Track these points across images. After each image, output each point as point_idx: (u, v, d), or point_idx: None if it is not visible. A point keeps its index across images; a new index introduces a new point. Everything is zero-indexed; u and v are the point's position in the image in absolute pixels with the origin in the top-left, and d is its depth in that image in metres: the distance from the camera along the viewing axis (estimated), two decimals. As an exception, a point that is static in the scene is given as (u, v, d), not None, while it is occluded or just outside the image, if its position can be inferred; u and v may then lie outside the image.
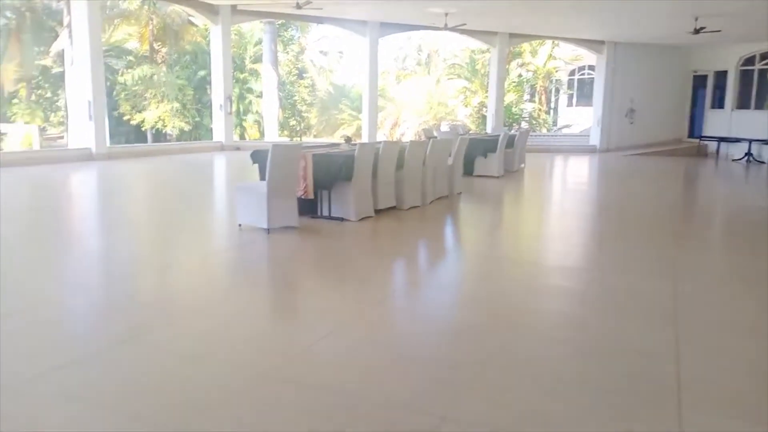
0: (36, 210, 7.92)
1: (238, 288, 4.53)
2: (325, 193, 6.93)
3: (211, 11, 15.48)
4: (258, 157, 6.92)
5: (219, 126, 16.68)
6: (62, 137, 31.91)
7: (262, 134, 30.11)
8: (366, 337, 3.49)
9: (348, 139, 8.27)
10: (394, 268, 5.37)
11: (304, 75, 33.77)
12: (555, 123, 28.76)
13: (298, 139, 33.15)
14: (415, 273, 5.32)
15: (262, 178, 6.65)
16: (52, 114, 32.88)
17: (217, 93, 16.46)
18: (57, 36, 26.83)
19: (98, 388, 2.74)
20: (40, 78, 31.24)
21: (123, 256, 5.47)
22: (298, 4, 12.45)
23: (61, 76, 30.37)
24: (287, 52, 31.22)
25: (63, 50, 23.34)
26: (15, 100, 30.96)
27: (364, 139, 17.53)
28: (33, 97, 31.03)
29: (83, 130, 12.90)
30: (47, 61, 30.10)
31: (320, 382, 2.83)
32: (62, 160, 12.62)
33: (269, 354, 3.19)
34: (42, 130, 25.77)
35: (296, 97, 32.74)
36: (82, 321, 3.72)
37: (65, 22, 22.41)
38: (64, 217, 7.60)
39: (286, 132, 31.61)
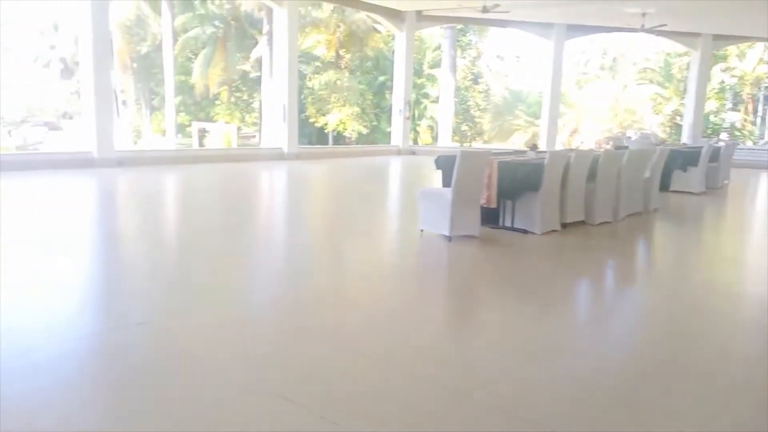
0: (233, 204, 8.59)
1: (417, 296, 4.42)
2: (509, 203, 6.62)
3: (398, 17, 15.87)
4: (443, 162, 6.81)
5: (397, 130, 17.05)
6: (254, 136, 35.15)
7: (434, 139, 30.41)
8: (551, 363, 3.14)
9: (533, 147, 7.86)
10: (580, 289, 4.91)
11: (479, 80, 33.50)
12: (762, 135, 25.33)
13: (469, 144, 32.97)
14: (605, 297, 4.81)
15: (446, 184, 6.52)
16: (248, 115, 36.33)
17: (397, 98, 16.84)
18: (256, 43, 29.43)
19: (280, 382, 2.72)
20: (239, 82, 34.63)
21: (307, 254, 5.66)
22: (485, 8, 12.24)
23: (258, 80, 33.35)
24: (464, 57, 31.17)
25: (261, 56, 25.62)
26: (217, 102, 34.69)
27: (543, 146, 16.81)
28: (232, 99, 34.52)
29: (276, 131, 13.92)
30: (246, 66, 33.20)
31: (525, 413, 2.55)
32: (256, 158, 13.73)
33: (456, 374, 2.99)
34: (238, 129, 28.39)
35: (470, 102, 32.57)
36: (266, 315, 3.81)
37: (264, 31, 24.55)
38: (257, 212, 8.16)
39: (456, 137, 31.60)
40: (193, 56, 33.14)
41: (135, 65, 33.21)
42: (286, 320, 3.69)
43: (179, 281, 4.50)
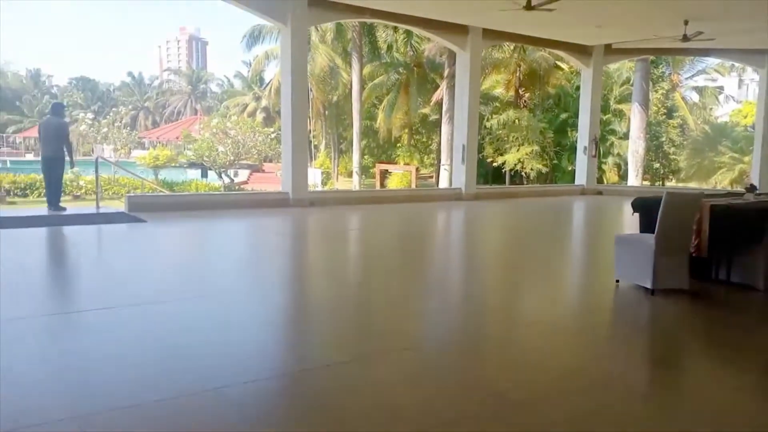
0: (412, 245, 8.64)
1: (614, 357, 3.91)
2: (724, 253, 5.76)
3: (584, 53, 15.21)
4: (641, 204, 6.17)
5: (581, 168, 16.17)
6: (431, 177, 35.89)
7: (622, 178, 28.39)
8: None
9: (752, 188, 6.82)
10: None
11: (674, 114, 30.82)
12: None
13: (660, 183, 30.23)
14: None
15: (645, 228, 5.88)
16: (426, 156, 37.31)
17: (582, 135, 16.01)
18: (437, 87, 30.22)
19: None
20: (418, 125, 35.77)
21: (489, 302, 5.39)
22: (685, 36, 11.18)
23: (436, 122, 34.16)
24: (656, 90, 28.95)
25: (441, 99, 26.22)
26: (398, 144, 36.13)
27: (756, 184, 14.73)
28: (412, 142, 35.72)
29: (455, 171, 13.95)
30: (426, 110, 34.21)
31: None
32: (436, 199, 13.85)
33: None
34: (416, 170, 29.08)
35: (663, 138, 30.03)
36: (445, 367, 3.60)
37: (445, 74, 25.12)
38: (436, 254, 8.09)
39: (647, 176, 29.19)
40: (377, 102, 35.09)
41: (326, 112, 36.01)
42: (467, 376, 3.46)
43: (361, 323, 4.52)
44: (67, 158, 10.08)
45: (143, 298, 4.84)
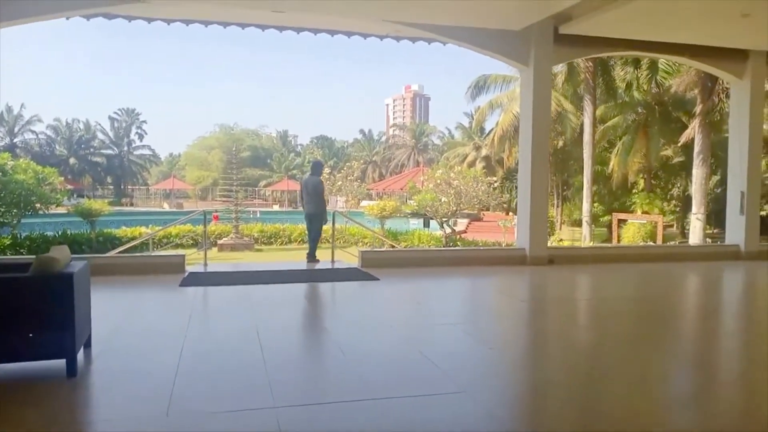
0: (695, 323, 6.76)
1: None
2: None
3: None
4: None
5: None
6: (671, 226, 31.59)
7: None
8: None
9: None
10: None
11: None
12: None
13: None
14: None
15: None
16: (666, 203, 33.10)
17: None
18: (682, 126, 26.74)
19: None
20: (659, 168, 32.03)
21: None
22: None
23: (681, 165, 30.16)
24: None
25: (692, 139, 22.91)
26: (634, 191, 32.65)
27: None
28: (650, 187, 32.00)
29: (731, 225, 11.43)
30: (668, 152, 30.51)
31: None
32: (703, 258, 11.44)
33: None
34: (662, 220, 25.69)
35: None
36: None
37: (697, 111, 21.95)
38: (700, 338, 6.14)
39: None
40: (608, 146, 32.32)
41: (551, 158, 34.23)
42: None
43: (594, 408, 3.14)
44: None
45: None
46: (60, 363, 4.15)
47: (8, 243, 17.35)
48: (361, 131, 78.04)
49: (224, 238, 23.46)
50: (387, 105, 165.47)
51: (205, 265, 10.17)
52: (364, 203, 39.89)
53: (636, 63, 23.31)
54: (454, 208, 26.48)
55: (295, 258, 15.70)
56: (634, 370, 4.65)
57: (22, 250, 16.77)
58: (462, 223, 33.21)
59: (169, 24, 9.76)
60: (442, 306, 7.38)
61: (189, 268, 9.32)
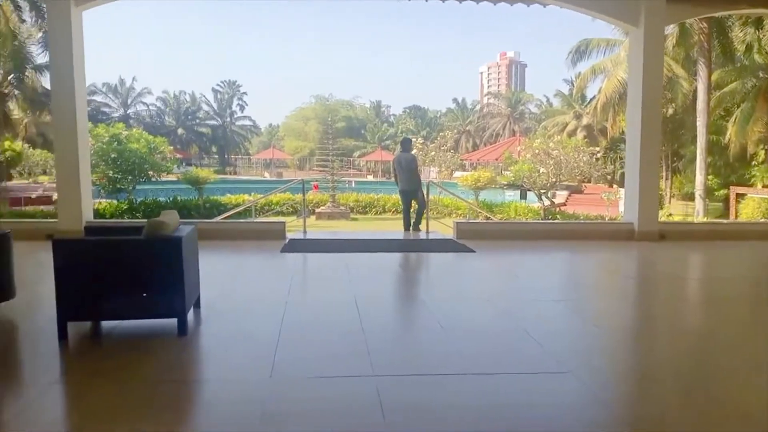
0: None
1: None
2: None
3: None
4: None
5: None
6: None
7: None
8: None
9: None
10: None
11: None
12: None
13: None
14: None
15: None
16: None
17: None
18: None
19: None
20: (782, 139, 29.14)
21: None
22: None
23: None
24: None
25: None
26: (754, 163, 29.94)
27: None
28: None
29: None
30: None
31: None
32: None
33: None
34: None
35: None
36: None
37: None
38: None
39: None
40: (724, 114, 29.74)
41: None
42: None
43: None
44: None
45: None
46: (171, 322, 4.36)
47: (125, 207, 18.65)
48: (454, 100, 76.72)
49: (322, 207, 24.00)
50: (481, 73, 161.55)
51: (305, 232, 10.41)
52: (457, 174, 39.41)
53: (758, 23, 21.08)
54: (553, 180, 25.52)
55: (389, 227, 15.79)
56: (749, 356, 4.25)
57: (137, 215, 17.97)
58: (561, 196, 32.04)
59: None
60: (542, 281, 7.11)
61: (289, 235, 9.58)
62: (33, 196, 24.37)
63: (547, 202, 25.52)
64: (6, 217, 15.52)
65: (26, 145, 29.65)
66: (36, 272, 6.26)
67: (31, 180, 26.84)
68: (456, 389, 3.48)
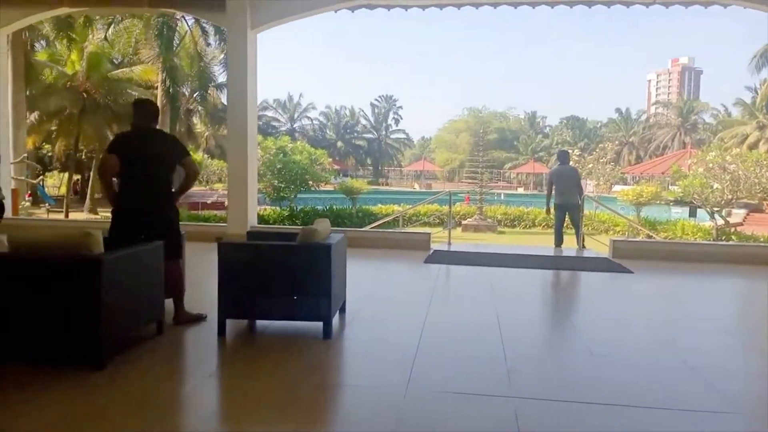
0: None
1: None
2: None
3: None
4: None
5: None
6: None
7: None
8: None
9: None
10: None
11: None
12: None
13: None
14: None
15: None
16: None
17: None
18: None
19: None
20: None
21: None
22: None
23: None
24: None
25: None
26: None
27: None
28: None
29: None
30: None
31: None
32: None
33: None
34: None
35: None
36: None
37: None
38: None
39: None
40: None
41: None
42: None
43: None
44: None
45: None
46: (317, 325, 4.55)
47: (287, 214, 20.00)
48: (617, 110, 72.23)
49: (468, 219, 23.84)
50: (649, 81, 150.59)
51: (449, 243, 10.38)
52: (616, 188, 37.03)
53: None
54: (729, 197, 22.97)
55: (538, 242, 15.23)
56: None
57: (297, 221, 19.17)
58: (738, 214, 28.76)
59: (407, 10, 9.93)
60: (709, 309, 6.38)
61: (434, 246, 9.61)
62: (209, 201, 27.03)
63: (720, 221, 23.04)
64: (184, 220, 17.40)
65: (206, 156, 33.03)
66: (204, 271, 6.90)
67: (207, 187, 29.90)
68: (601, 420, 3.22)
